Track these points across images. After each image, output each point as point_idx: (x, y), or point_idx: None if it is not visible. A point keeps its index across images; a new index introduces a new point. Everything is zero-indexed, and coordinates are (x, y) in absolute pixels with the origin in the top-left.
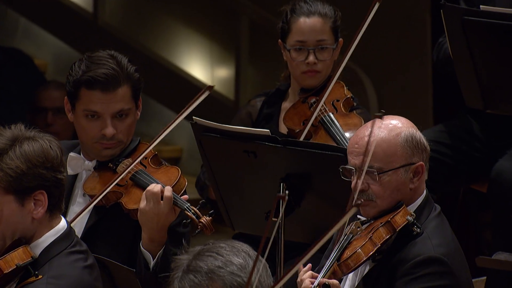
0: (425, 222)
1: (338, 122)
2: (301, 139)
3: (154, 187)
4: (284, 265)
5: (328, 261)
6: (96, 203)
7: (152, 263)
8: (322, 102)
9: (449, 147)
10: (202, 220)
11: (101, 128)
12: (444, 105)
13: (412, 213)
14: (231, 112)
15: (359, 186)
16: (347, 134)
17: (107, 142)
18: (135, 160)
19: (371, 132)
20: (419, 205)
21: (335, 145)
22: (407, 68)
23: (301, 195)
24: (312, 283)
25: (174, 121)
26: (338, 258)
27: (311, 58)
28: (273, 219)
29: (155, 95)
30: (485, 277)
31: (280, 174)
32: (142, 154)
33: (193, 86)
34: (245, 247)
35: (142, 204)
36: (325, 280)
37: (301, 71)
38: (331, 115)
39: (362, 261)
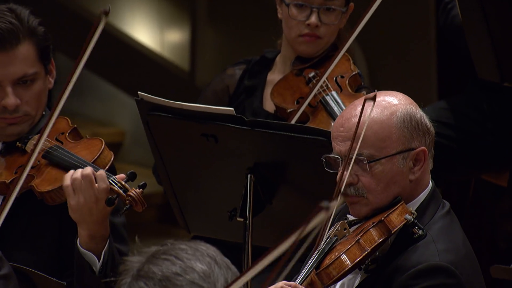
0: (430, 222)
1: (343, 103)
2: (294, 121)
3: (83, 170)
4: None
5: (304, 269)
6: (1, 193)
7: (98, 264)
8: (325, 77)
9: (454, 129)
10: (130, 193)
11: (0, 99)
12: (451, 78)
13: (413, 211)
14: (186, 85)
15: (346, 179)
16: None
17: (10, 116)
18: (44, 132)
19: (361, 112)
20: (422, 201)
21: None
22: (405, 34)
23: (273, 190)
24: None
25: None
26: (317, 266)
27: (314, 18)
28: (238, 219)
29: (91, 65)
30: None
31: (247, 163)
32: (50, 123)
33: (137, 54)
34: (212, 251)
35: (72, 197)
36: None
37: (298, 34)
38: (335, 95)
39: (347, 269)
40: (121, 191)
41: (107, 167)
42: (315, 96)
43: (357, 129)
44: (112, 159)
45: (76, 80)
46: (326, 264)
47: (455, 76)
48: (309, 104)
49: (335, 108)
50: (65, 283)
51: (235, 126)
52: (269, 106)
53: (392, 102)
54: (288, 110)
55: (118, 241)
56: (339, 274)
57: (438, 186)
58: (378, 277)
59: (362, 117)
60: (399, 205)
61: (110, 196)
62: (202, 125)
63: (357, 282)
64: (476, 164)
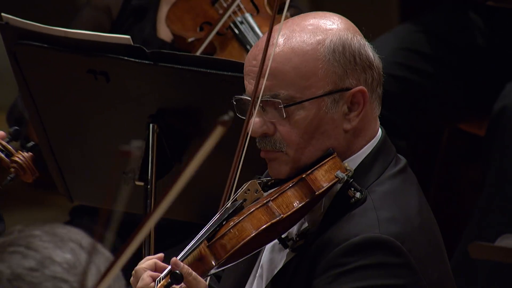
0: (375, 183)
1: (260, 29)
2: (198, 54)
3: None
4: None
5: (193, 240)
6: None
7: None
8: None
9: (429, 60)
10: (16, 159)
11: None
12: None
13: (348, 168)
14: (65, 5)
15: (251, 125)
16: None
17: None
18: None
19: (269, 34)
20: (365, 157)
21: None
22: None
23: (183, 143)
24: (155, 279)
25: None
26: (211, 237)
27: None
28: (137, 183)
29: None
30: None
31: (149, 109)
32: None
33: None
34: (74, 234)
35: None
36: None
37: None
38: (249, 18)
39: (247, 239)
40: (3, 155)
41: None
42: (225, 20)
43: (263, 60)
44: None
45: None
46: (221, 233)
47: None
48: (217, 32)
49: (249, 36)
50: None
51: (133, 59)
52: (164, 33)
53: (321, 27)
54: (189, 40)
55: None
56: (237, 246)
57: (403, 140)
58: (305, 254)
59: (278, 46)
60: (329, 158)
61: None
62: (88, 59)
63: (282, 262)
64: (460, 108)
